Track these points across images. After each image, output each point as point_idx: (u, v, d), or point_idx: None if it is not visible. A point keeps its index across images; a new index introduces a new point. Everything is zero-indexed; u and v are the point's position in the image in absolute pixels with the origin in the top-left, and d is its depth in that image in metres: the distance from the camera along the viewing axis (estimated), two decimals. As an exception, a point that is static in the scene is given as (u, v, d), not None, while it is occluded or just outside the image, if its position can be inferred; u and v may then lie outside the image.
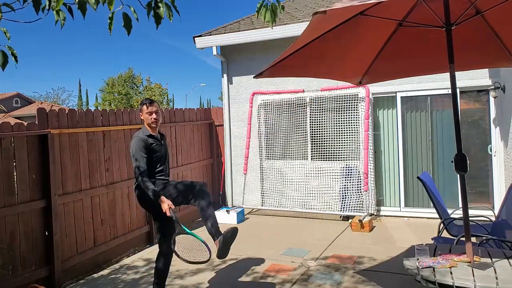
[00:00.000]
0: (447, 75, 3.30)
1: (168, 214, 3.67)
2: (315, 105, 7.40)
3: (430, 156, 6.81)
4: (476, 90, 6.53)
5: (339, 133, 7.20)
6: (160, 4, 2.34)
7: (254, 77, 3.71)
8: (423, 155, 6.86)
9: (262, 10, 2.87)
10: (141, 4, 2.34)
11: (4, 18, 2.31)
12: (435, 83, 6.52)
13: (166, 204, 3.70)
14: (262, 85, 7.72)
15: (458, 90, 3.76)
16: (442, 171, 6.74)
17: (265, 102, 7.80)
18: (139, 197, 3.97)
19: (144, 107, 3.95)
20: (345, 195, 6.94)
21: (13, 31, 2.43)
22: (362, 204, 6.81)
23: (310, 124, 7.44)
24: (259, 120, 7.86)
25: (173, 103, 56.12)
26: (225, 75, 8.14)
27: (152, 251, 5.61)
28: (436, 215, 4.67)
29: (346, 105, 7.11)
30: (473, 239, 3.52)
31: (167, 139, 6.98)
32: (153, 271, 4.81)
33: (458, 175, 3.21)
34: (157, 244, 4.04)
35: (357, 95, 7.02)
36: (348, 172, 7.00)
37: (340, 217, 7.03)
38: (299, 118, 7.55)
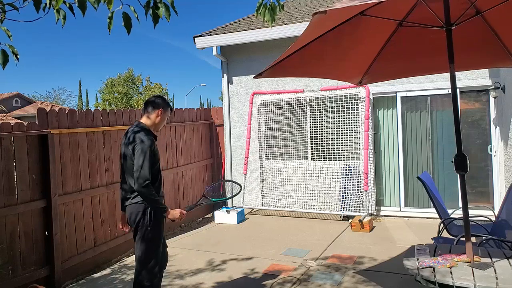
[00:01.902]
0: (447, 75, 3.30)
1: (184, 213, 3.49)
2: (315, 105, 7.40)
3: (430, 156, 6.81)
4: (476, 90, 6.53)
5: (339, 133, 7.20)
6: (159, 5, 2.34)
7: (254, 77, 3.71)
8: (423, 155, 6.86)
9: (262, 9, 2.86)
10: (140, 4, 2.34)
11: (6, 18, 2.31)
12: (435, 83, 6.52)
13: (178, 212, 3.41)
14: (262, 85, 7.72)
15: (458, 90, 3.77)
16: (442, 171, 6.74)
17: (265, 102, 7.80)
18: (138, 214, 3.31)
19: (169, 110, 3.51)
20: (345, 195, 6.95)
21: (12, 30, 2.43)
22: (362, 204, 6.81)
23: (310, 124, 7.44)
24: (259, 120, 7.86)
25: (173, 103, 56.17)
26: (225, 75, 8.14)
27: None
28: (436, 215, 4.67)
29: (346, 105, 7.12)
30: (473, 239, 3.52)
31: (167, 139, 7.00)
32: (153, 271, 4.82)
33: (458, 175, 3.21)
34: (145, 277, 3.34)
35: (357, 95, 7.02)
36: (348, 172, 7.00)
37: (340, 217, 7.03)
38: (299, 118, 7.55)
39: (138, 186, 3.16)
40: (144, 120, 3.45)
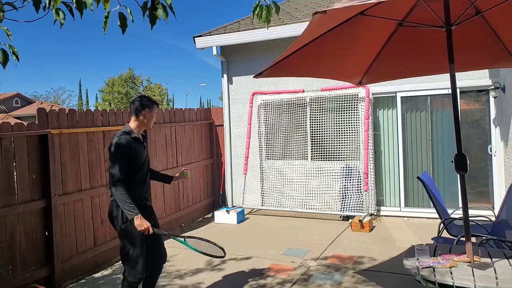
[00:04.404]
0: (447, 75, 3.30)
1: (151, 232, 3.34)
2: (315, 105, 7.40)
3: (430, 156, 6.81)
4: (476, 90, 6.53)
5: (339, 133, 7.20)
6: (157, 6, 2.33)
7: (254, 77, 3.71)
8: (423, 155, 6.86)
9: (258, 10, 2.86)
10: (138, 4, 2.34)
11: (6, 18, 2.31)
12: (435, 83, 6.52)
13: (146, 225, 3.30)
14: (262, 85, 7.71)
15: (458, 90, 3.77)
16: (442, 171, 6.74)
17: (265, 102, 7.80)
18: (115, 213, 3.40)
19: (155, 107, 3.55)
20: (345, 195, 6.95)
21: (12, 29, 2.43)
22: (362, 204, 6.81)
23: (310, 124, 7.44)
24: (259, 120, 7.86)
25: (173, 103, 56.20)
26: (225, 75, 8.14)
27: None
28: (436, 215, 4.67)
29: (346, 105, 7.12)
30: (473, 239, 3.52)
31: (167, 139, 7.00)
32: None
33: (458, 175, 3.21)
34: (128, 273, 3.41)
35: (357, 95, 7.02)
36: (348, 172, 7.00)
37: (340, 217, 7.03)
38: (299, 118, 7.55)
39: (110, 185, 3.32)
40: (132, 122, 3.53)
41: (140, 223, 3.29)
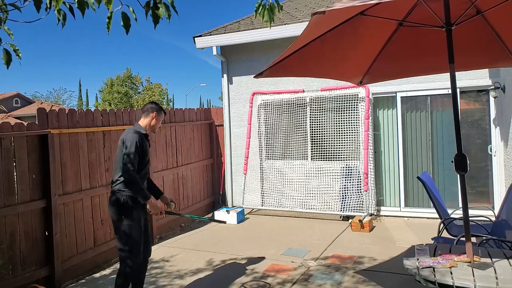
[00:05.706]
0: (447, 75, 3.30)
1: (163, 213, 3.84)
2: (315, 105, 7.40)
3: (430, 156, 6.81)
4: (476, 90, 6.53)
5: (339, 133, 7.20)
6: (159, 5, 2.33)
7: (254, 77, 3.71)
8: (423, 155, 6.86)
9: (261, 10, 2.85)
10: (140, 4, 2.33)
11: (8, 19, 2.31)
12: (435, 83, 6.52)
13: (159, 206, 3.74)
14: (262, 85, 7.72)
15: (458, 90, 3.77)
16: (442, 171, 6.74)
17: (265, 102, 7.80)
18: (114, 203, 3.65)
19: (163, 114, 3.98)
20: (345, 195, 6.95)
21: (13, 30, 2.43)
22: (362, 204, 6.81)
23: (310, 124, 7.44)
24: (259, 120, 7.86)
25: (173, 103, 56.14)
26: (225, 75, 8.15)
27: (153, 251, 5.59)
28: (436, 215, 4.67)
29: (346, 105, 7.12)
30: (473, 239, 3.52)
31: (167, 139, 7.00)
32: (154, 271, 4.84)
33: (458, 175, 3.21)
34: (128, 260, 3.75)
35: (357, 95, 7.02)
36: (348, 172, 7.00)
37: (340, 217, 7.03)
38: (299, 118, 7.55)
39: (125, 172, 3.56)
40: (141, 121, 3.90)
41: (154, 204, 3.71)
